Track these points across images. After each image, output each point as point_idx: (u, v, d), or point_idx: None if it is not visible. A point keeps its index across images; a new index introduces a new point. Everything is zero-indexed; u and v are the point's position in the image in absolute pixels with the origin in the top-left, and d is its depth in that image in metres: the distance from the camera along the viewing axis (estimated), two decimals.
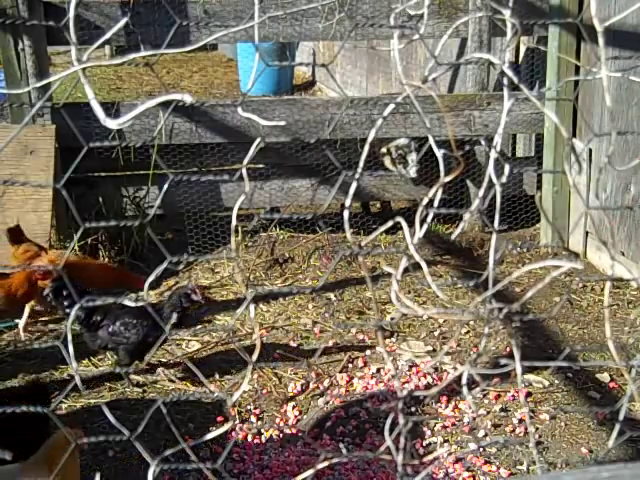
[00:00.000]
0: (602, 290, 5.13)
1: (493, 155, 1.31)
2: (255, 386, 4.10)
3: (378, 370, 4.32)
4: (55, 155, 5.18)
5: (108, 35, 1.35)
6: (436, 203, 1.33)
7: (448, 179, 1.31)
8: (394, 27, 1.40)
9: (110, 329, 4.01)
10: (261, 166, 5.93)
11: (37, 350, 4.40)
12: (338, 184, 1.63)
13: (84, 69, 1.21)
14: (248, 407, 3.95)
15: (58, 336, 4.62)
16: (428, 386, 4.13)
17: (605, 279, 1.31)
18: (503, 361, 1.37)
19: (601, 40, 1.25)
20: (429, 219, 1.30)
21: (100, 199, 5.58)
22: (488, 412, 3.95)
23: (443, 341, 4.67)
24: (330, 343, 4.59)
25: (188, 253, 5.56)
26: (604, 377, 4.21)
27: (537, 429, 3.82)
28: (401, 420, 1.25)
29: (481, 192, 1.35)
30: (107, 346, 4.07)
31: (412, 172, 5.17)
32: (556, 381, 4.19)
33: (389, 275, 5.16)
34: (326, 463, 1.31)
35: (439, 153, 1.33)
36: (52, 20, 5.00)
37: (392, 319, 4.82)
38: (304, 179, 5.96)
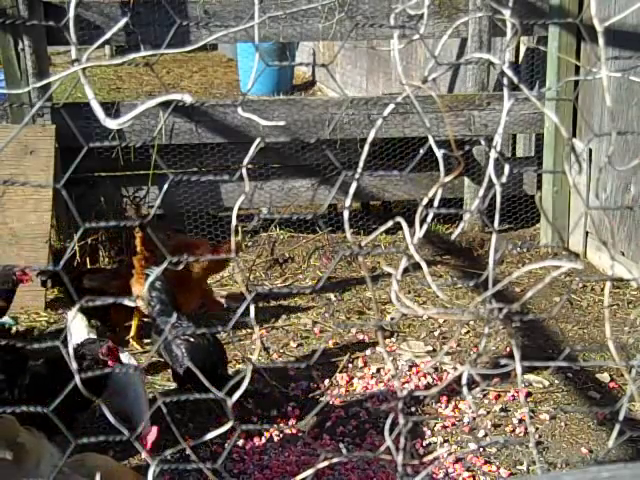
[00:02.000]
0: (602, 290, 5.13)
1: (493, 155, 1.31)
2: (255, 386, 4.09)
3: (378, 370, 4.32)
4: (55, 155, 5.17)
5: (108, 35, 1.35)
6: (436, 203, 1.33)
7: (448, 179, 1.31)
8: (394, 27, 1.40)
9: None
10: (261, 166, 5.93)
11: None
12: (338, 184, 1.63)
13: (84, 69, 1.21)
14: (248, 407, 3.95)
15: (58, 336, 4.61)
16: (428, 386, 4.13)
17: (605, 279, 1.31)
18: (503, 361, 1.37)
19: (601, 40, 1.25)
20: (429, 219, 1.30)
21: (100, 199, 5.58)
22: (488, 412, 3.95)
23: (443, 341, 4.67)
24: (330, 343, 4.59)
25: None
26: (604, 377, 4.20)
27: (537, 429, 3.82)
28: (401, 420, 1.25)
29: (481, 192, 1.35)
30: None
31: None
32: (556, 381, 4.19)
33: (389, 275, 5.16)
34: (326, 463, 1.31)
35: (439, 153, 1.33)
36: (52, 20, 5.00)
37: (392, 319, 4.82)
38: (304, 179, 5.95)
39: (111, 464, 2.93)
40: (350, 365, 4.39)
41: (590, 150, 5.57)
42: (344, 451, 3.53)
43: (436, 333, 4.74)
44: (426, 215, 1.30)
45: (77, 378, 1.25)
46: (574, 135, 5.76)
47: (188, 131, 5.63)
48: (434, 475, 3.48)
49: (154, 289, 4.05)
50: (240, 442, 3.67)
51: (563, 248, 5.79)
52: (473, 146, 5.92)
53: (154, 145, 5.51)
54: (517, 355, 1.30)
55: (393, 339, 4.66)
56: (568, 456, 3.63)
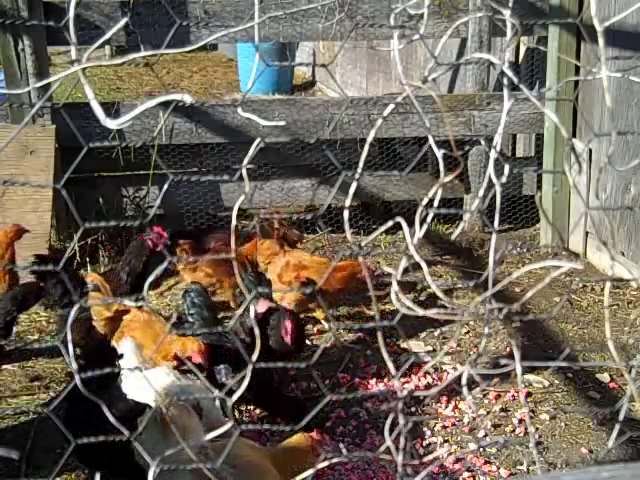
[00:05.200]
0: (602, 290, 5.13)
1: (493, 155, 1.31)
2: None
3: (378, 370, 4.32)
4: (55, 155, 5.17)
5: (108, 35, 1.35)
6: (436, 203, 1.33)
7: (448, 179, 1.31)
8: (394, 27, 1.40)
9: None
10: (261, 166, 5.93)
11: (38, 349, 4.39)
12: (338, 184, 1.63)
13: (84, 69, 1.21)
14: (248, 407, 3.95)
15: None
16: (428, 386, 4.13)
17: (605, 279, 1.31)
18: (503, 361, 1.37)
19: (601, 40, 1.25)
20: (429, 219, 1.30)
21: (100, 199, 5.58)
22: (488, 412, 3.95)
23: (443, 341, 4.67)
24: (330, 343, 4.59)
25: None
26: (604, 377, 4.20)
27: (537, 429, 3.82)
28: (401, 420, 1.25)
29: (481, 192, 1.35)
30: None
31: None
32: (556, 381, 4.18)
33: (389, 275, 5.16)
34: (326, 463, 1.31)
35: (439, 153, 1.33)
36: (52, 20, 5.00)
37: (392, 319, 4.81)
38: (304, 179, 5.96)
39: (254, 456, 2.91)
40: (350, 365, 4.39)
41: (590, 150, 5.57)
42: (344, 451, 3.53)
43: (436, 333, 4.74)
44: (426, 215, 1.30)
45: (77, 378, 1.25)
46: (574, 135, 5.76)
47: (188, 131, 5.63)
48: (434, 475, 3.48)
49: (194, 305, 3.95)
50: None
51: (563, 248, 5.78)
52: (473, 146, 5.92)
53: (154, 145, 5.51)
54: (517, 355, 1.30)
55: (393, 339, 4.66)
56: (568, 456, 3.63)
